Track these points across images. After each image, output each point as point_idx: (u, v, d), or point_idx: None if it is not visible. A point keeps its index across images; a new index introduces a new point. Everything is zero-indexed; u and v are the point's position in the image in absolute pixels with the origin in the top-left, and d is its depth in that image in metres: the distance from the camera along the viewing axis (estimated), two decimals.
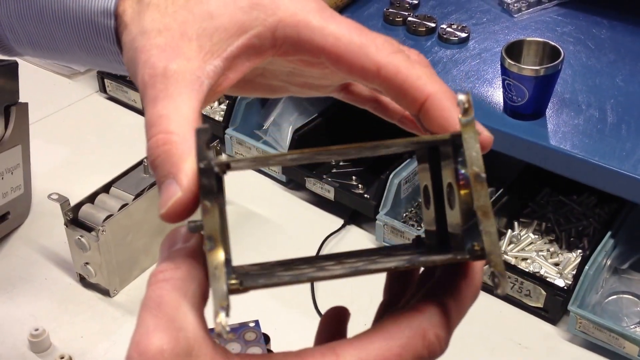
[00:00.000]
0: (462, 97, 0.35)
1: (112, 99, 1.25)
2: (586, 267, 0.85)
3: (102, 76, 1.24)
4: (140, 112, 1.21)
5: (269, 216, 1.03)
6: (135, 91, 1.19)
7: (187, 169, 0.36)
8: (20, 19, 0.49)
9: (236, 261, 0.35)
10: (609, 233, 0.89)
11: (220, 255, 0.33)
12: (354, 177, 1.06)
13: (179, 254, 0.36)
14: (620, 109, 0.90)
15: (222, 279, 0.33)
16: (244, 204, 1.05)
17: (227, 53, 0.41)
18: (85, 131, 1.19)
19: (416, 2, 1.10)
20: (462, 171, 0.35)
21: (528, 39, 0.89)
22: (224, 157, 0.37)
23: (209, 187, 0.34)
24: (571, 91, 0.93)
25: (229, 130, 1.10)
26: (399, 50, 0.40)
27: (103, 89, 1.25)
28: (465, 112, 0.36)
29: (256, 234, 1.00)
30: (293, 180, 1.06)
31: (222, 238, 0.34)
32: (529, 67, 0.85)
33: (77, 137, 1.18)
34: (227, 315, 0.32)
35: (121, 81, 1.22)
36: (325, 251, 0.97)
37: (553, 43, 0.88)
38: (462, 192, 0.35)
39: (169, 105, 0.39)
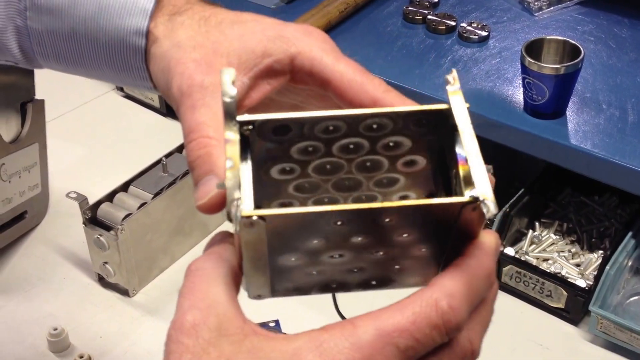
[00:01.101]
0: (449, 75, 0.42)
1: (129, 97, 1.27)
2: (607, 267, 0.87)
3: None
4: (158, 110, 1.23)
5: None
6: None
7: (225, 167, 0.40)
8: (51, 34, 0.55)
9: None
10: (630, 233, 0.90)
11: (238, 173, 0.38)
12: None
13: (211, 248, 0.42)
14: (628, 107, 0.92)
15: (237, 176, 0.38)
16: None
17: (252, 72, 0.48)
18: (103, 129, 1.21)
19: (436, 0, 1.11)
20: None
21: (548, 37, 0.91)
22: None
23: (232, 114, 0.40)
24: (592, 90, 0.94)
25: None
26: (390, 89, 0.48)
27: (120, 86, 1.28)
28: (452, 83, 0.42)
29: None
30: None
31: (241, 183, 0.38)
32: (549, 66, 0.87)
33: (94, 135, 1.20)
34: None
35: None
36: None
37: (573, 42, 0.89)
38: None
39: (207, 113, 0.46)
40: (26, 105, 0.97)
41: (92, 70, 0.56)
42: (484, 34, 1.04)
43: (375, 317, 0.38)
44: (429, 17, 1.07)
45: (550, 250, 0.97)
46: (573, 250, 0.97)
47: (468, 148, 0.40)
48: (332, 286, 0.43)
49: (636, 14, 1.08)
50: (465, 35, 1.04)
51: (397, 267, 0.42)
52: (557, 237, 0.99)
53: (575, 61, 0.87)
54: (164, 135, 1.16)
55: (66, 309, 0.92)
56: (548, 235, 0.98)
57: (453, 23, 1.06)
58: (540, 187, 1.01)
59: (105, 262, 0.91)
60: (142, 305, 0.93)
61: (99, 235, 0.89)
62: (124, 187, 0.94)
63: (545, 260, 0.95)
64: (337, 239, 0.39)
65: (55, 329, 0.86)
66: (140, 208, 0.91)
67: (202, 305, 0.38)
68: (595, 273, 0.90)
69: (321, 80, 0.49)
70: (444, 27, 1.06)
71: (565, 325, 0.91)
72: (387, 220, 0.38)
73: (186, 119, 0.46)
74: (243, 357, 0.37)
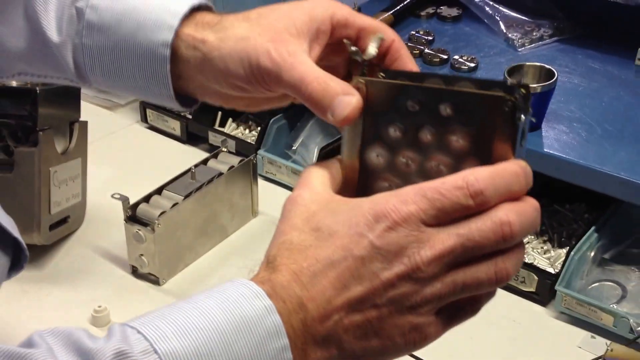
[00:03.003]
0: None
1: (152, 128, 1.46)
2: (572, 253, 1.05)
3: (144, 106, 1.45)
4: (179, 138, 1.42)
5: None
6: (175, 119, 1.40)
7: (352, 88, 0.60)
8: (100, 49, 0.71)
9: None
10: (593, 228, 1.08)
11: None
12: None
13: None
14: (605, 124, 1.11)
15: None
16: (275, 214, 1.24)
17: (308, 37, 0.64)
18: (128, 155, 1.39)
19: (431, 38, 1.31)
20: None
21: (527, 63, 1.10)
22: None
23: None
24: (565, 110, 1.14)
25: (260, 152, 1.30)
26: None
27: (144, 118, 1.46)
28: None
29: None
30: None
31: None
32: (518, 81, 1.06)
33: (121, 160, 1.37)
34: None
35: (162, 111, 1.43)
36: None
37: (548, 66, 1.09)
38: None
39: (308, 67, 0.62)
40: (73, 124, 1.16)
41: (128, 80, 0.71)
42: (473, 65, 1.24)
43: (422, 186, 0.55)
44: (425, 51, 1.27)
45: (526, 246, 1.15)
46: (545, 247, 1.14)
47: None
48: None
49: (605, 49, 1.28)
50: (456, 66, 1.24)
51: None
52: (532, 237, 1.16)
53: (550, 82, 1.06)
54: (185, 158, 1.34)
55: (105, 295, 1.08)
56: None
57: (446, 56, 1.26)
58: None
59: (141, 254, 1.08)
60: (170, 291, 1.10)
61: (138, 229, 1.06)
62: (158, 190, 1.12)
63: None
64: (410, 131, 0.59)
65: (99, 306, 1.02)
66: (173, 207, 1.09)
67: (308, 189, 0.59)
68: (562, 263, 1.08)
69: (357, 28, 0.65)
70: (438, 59, 1.25)
71: (535, 306, 1.08)
72: (446, 109, 0.57)
73: (295, 74, 0.62)
74: (324, 211, 0.57)
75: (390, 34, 0.65)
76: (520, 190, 0.56)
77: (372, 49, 0.64)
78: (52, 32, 0.72)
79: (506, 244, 0.55)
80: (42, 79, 0.77)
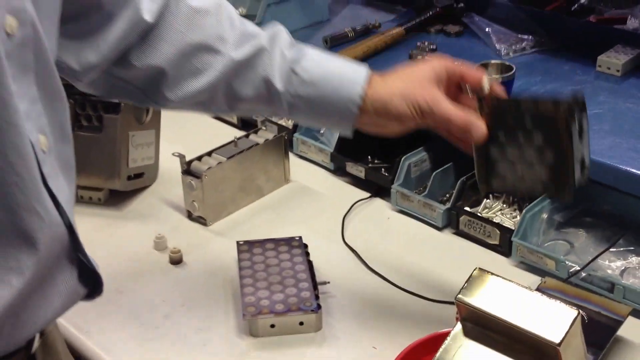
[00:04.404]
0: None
1: (217, 117, 1.81)
2: (524, 211, 1.33)
3: None
4: (235, 125, 1.76)
5: (319, 189, 1.55)
6: None
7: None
8: (307, 97, 1.06)
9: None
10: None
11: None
12: (376, 160, 1.57)
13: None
14: None
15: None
16: (303, 183, 1.57)
17: (436, 83, 1.03)
18: (196, 136, 1.73)
19: (434, 47, 1.63)
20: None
21: (492, 61, 1.40)
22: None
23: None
24: None
25: (296, 134, 1.63)
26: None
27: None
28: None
29: (309, 202, 1.52)
30: (338, 167, 1.58)
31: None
32: (491, 77, 1.35)
33: (190, 140, 1.72)
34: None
35: None
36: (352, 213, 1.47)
37: (508, 63, 1.39)
38: None
39: (449, 105, 1.02)
40: None
41: (320, 118, 1.08)
42: None
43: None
44: (426, 57, 1.58)
45: (498, 212, 1.43)
46: (514, 214, 1.43)
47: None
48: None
49: (572, 58, 1.58)
50: None
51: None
52: (505, 205, 1.45)
53: (509, 74, 1.36)
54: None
55: (165, 230, 1.42)
56: (497, 204, 1.45)
57: None
58: None
59: (193, 200, 1.42)
60: (214, 231, 1.43)
61: (191, 180, 1.41)
62: (208, 153, 1.47)
63: (493, 218, 1.42)
64: (511, 133, 1.02)
65: (160, 234, 1.37)
66: (218, 165, 1.43)
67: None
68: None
69: (460, 73, 1.05)
70: None
71: (499, 256, 1.35)
72: (531, 115, 0.99)
73: (443, 110, 1.01)
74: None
75: (483, 73, 1.06)
76: None
77: (486, 86, 1.03)
78: (278, 83, 1.04)
79: None
80: (254, 112, 1.16)
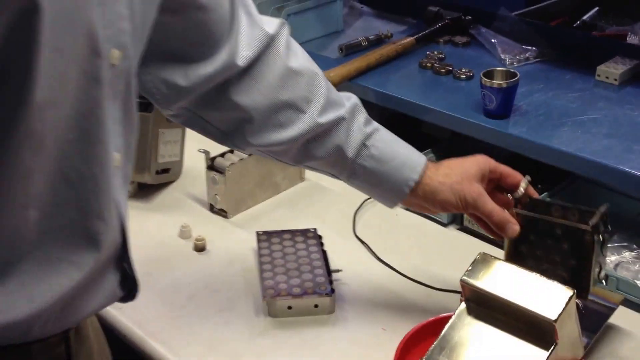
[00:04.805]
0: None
1: None
2: None
3: None
4: None
5: (332, 187, 1.64)
6: None
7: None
8: (371, 169, 1.17)
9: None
10: (546, 193, 1.46)
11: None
12: None
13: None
14: (563, 117, 1.49)
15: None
16: (317, 182, 1.66)
17: (480, 179, 1.15)
18: None
19: (442, 56, 1.72)
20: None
21: (497, 68, 1.50)
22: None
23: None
24: (527, 104, 1.52)
25: None
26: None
27: None
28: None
29: (321, 198, 1.61)
30: None
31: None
32: (495, 82, 1.45)
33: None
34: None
35: None
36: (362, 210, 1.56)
37: (513, 70, 1.48)
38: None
39: (491, 202, 1.15)
40: None
41: (374, 189, 1.19)
42: (470, 74, 1.64)
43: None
44: (435, 65, 1.68)
45: None
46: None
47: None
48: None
49: (573, 68, 1.67)
50: (457, 75, 1.64)
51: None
52: None
53: (513, 80, 1.45)
54: None
55: (189, 221, 1.51)
56: None
57: (450, 68, 1.66)
58: None
59: (216, 194, 1.52)
60: (234, 222, 1.53)
61: (214, 175, 1.50)
62: (231, 151, 1.56)
63: None
64: (540, 238, 1.14)
65: (185, 224, 1.47)
66: (240, 161, 1.52)
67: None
68: None
69: (499, 173, 1.17)
70: (444, 70, 1.66)
71: (500, 251, 1.38)
72: (558, 230, 1.12)
73: (486, 207, 1.13)
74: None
75: (520, 176, 1.18)
76: None
77: (522, 189, 1.16)
78: (349, 152, 1.14)
79: None
80: (315, 170, 1.21)
